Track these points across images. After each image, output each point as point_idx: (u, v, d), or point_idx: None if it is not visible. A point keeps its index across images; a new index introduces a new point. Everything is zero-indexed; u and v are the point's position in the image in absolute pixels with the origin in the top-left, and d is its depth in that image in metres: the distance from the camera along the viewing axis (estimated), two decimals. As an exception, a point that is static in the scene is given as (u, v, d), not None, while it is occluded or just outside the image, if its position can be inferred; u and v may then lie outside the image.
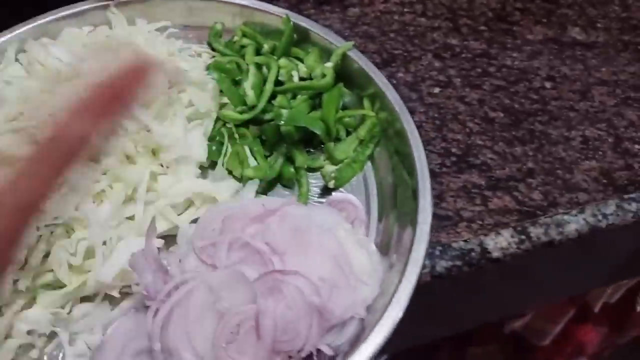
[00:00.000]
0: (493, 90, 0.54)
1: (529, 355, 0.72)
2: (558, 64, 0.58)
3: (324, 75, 0.49)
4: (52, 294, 0.38)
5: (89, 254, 0.39)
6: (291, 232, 0.40)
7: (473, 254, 0.45)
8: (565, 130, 0.53)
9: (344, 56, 0.50)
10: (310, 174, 0.47)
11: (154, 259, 0.38)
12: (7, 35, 0.49)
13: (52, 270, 0.38)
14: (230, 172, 0.46)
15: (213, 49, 0.53)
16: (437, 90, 0.54)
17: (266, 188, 0.46)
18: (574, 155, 0.51)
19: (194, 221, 0.43)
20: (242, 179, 0.46)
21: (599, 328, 0.70)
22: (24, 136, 0.40)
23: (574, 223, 0.47)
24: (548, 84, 0.56)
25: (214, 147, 0.46)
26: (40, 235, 0.38)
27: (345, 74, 0.51)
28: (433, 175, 0.48)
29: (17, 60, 0.46)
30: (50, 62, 0.43)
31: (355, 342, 0.38)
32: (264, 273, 0.37)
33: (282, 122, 0.45)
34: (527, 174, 0.50)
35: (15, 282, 0.37)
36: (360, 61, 0.50)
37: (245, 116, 0.46)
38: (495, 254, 0.45)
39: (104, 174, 0.40)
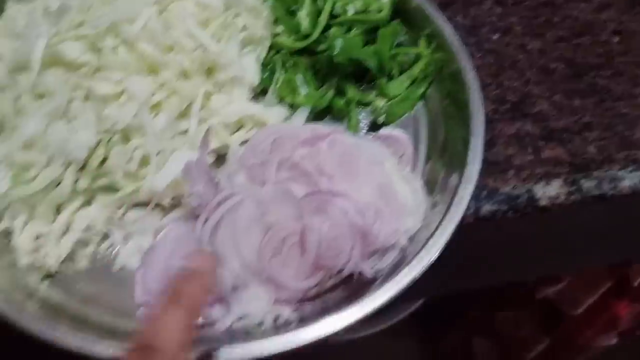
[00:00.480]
0: (555, 41, 0.52)
1: (559, 324, 0.71)
2: (627, 19, 0.54)
3: (380, 10, 0.48)
4: (108, 196, 0.40)
5: (144, 162, 0.40)
6: (340, 157, 0.40)
7: (520, 200, 0.44)
8: (630, 87, 0.50)
9: (403, -7, 0.49)
10: (360, 108, 0.47)
11: (206, 170, 0.39)
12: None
13: (109, 174, 0.40)
14: (280, 101, 0.46)
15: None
16: (496, 36, 0.52)
17: (315, 118, 0.46)
18: (636, 113, 0.49)
19: (244, 143, 0.43)
20: (292, 107, 0.46)
21: (635, 304, 0.68)
22: (86, 43, 0.42)
23: (629, 180, 0.45)
24: (615, 39, 0.53)
25: (266, 74, 0.46)
26: (100, 140, 0.39)
27: (402, 12, 0.49)
28: (485, 120, 0.47)
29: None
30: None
31: (395, 269, 0.38)
32: (312, 191, 0.37)
33: (336, 52, 0.45)
34: (584, 127, 0.48)
35: (75, 181, 0.39)
36: (419, -1, 0.49)
37: (299, 44, 0.46)
38: (543, 202, 0.44)
39: (161, 86, 0.41)
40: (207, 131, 0.39)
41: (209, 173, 0.39)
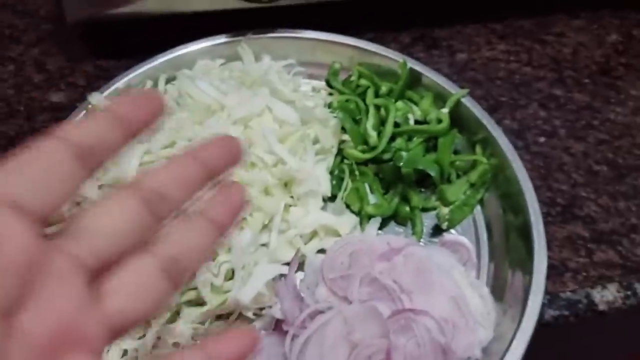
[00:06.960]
0: (597, 144, 0.56)
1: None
2: (660, 121, 0.58)
3: (439, 120, 0.52)
4: (194, 310, 0.42)
5: (228, 275, 0.42)
6: (415, 271, 0.42)
7: (580, 305, 0.46)
8: (669, 188, 0.53)
9: (457, 101, 0.53)
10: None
11: (294, 287, 0.41)
12: (145, 67, 0.54)
13: (195, 289, 0.42)
14: (347, 206, 0.49)
15: (329, 86, 0.56)
16: (542, 139, 0.56)
17: (381, 225, 0.49)
18: (678, 215, 0.52)
19: (318, 251, 0.46)
20: (359, 214, 0.48)
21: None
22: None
23: (680, 282, 0.48)
24: (651, 140, 0.57)
25: (334, 182, 0.49)
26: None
27: (456, 119, 0.53)
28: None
29: (165, 91, 0.51)
30: (198, 95, 0.47)
31: (472, 383, 0.40)
32: (397, 311, 0.39)
33: (402, 163, 0.48)
34: (630, 229, 0.51)
35: (165, 296, 0.41)
36: (473, 107, 0.53)
37: (368, 155, 0.49)
38: (602, 307, 0.47)
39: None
40: (298, 251, 0.41)
41: (296, 290, 0.41)
